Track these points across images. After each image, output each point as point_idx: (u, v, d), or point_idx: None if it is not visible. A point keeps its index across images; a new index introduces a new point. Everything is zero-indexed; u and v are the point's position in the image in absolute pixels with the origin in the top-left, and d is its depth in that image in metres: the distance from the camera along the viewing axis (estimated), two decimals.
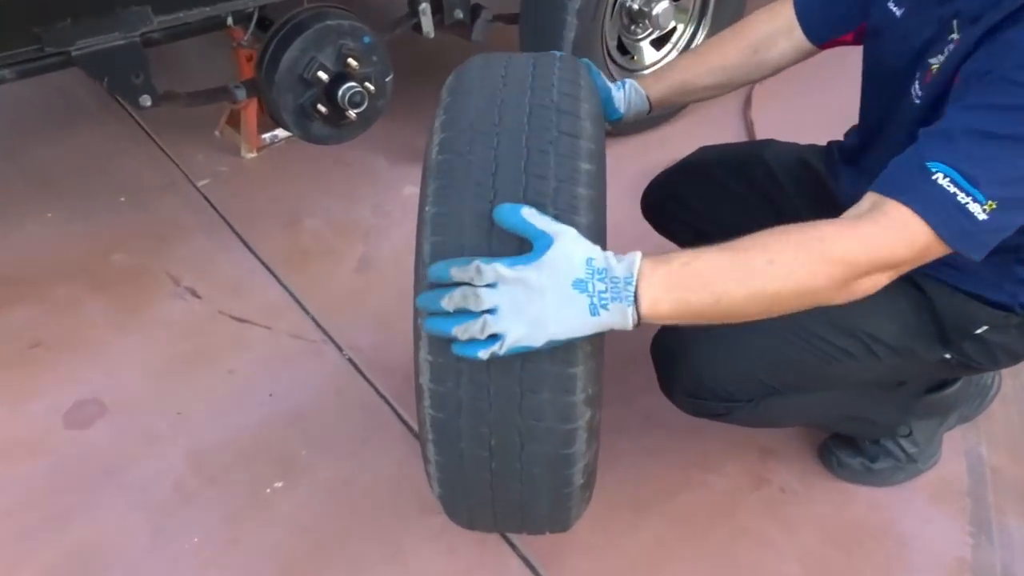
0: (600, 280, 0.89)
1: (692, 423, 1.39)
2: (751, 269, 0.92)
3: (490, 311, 0.88)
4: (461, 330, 0.89)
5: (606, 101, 1.36)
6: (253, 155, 2.39)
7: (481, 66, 1.12)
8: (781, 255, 0.93)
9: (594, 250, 0.91)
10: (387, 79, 1.92)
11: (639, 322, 0.91)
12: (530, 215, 0.91)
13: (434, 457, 1.04)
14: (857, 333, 1.25)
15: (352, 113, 1.85)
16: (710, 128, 2.55)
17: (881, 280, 0.99)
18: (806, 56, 1.43)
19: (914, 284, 1.26)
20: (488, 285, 0.89)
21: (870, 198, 1.00)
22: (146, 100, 1.82)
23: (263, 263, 2.01)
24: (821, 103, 2.37)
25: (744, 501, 1.50)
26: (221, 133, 2.46)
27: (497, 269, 0.88)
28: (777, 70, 1.44)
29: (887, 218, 0.97)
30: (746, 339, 1.21)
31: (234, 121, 2.42)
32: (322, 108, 1.84)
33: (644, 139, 2.46)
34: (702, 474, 1.54)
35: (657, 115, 1.70)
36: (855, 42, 1.37)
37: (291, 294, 1.93)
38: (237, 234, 2.10)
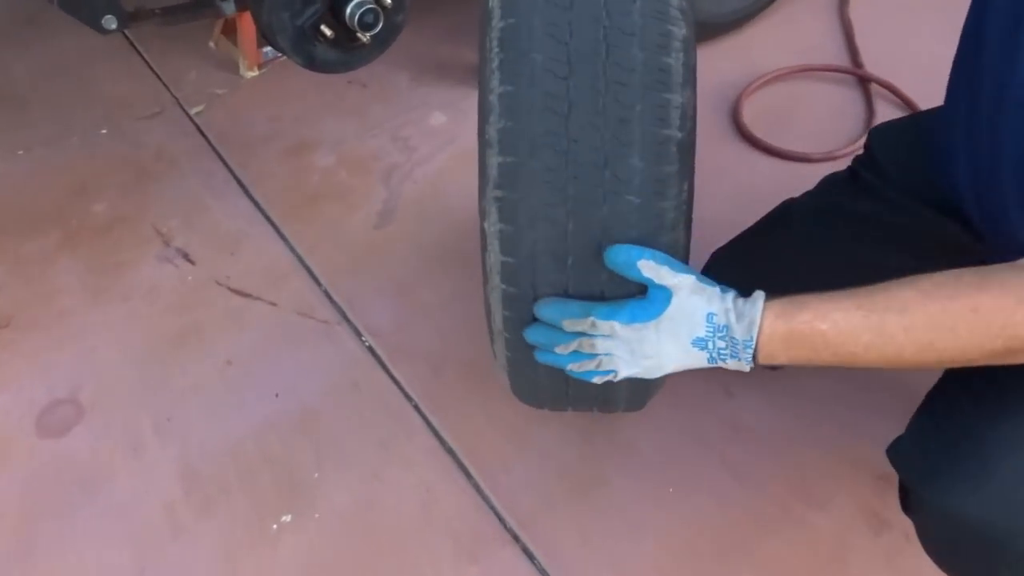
0: (720, 339, 0.87)
1: (789, 433, 1.10)
2: (886, 335, 0.83)
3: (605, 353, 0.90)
4: (576, 366, 0.91)
5: None
6: (253, 73, 2.03)
7: None
8: (923, 322, 0.82)
9: (714, 301, 0.87)
10: None
11: (753, 367, 0.90)
12: (647, 267, 0.86)
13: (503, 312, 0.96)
14: None
15: (364, 36, 1.48)
16: (799, 31, 2.12)
17: None
18: None
19: None
20: (603, 334, 0.89)
21: None
22: (110, 22, 1.47)
23: (265, 215, 1.70)
24: None
25: (857, 547, 1.21)
26: (216, 45, 2.10)
27: (614, 327, 0.88)
28: None
29: None
30: None
31: (230, 31, 2.05)
32: (326, 30, 1.47)
33: (723, 46, 2.05)
34: (803, 508, 1.25)
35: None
36: None
37: (298, 256, 1.62)
38: (236, 177, 1.78)
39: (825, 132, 1.88)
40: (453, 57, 2.05)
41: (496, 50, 0.89)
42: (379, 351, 1.46)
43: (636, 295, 0.89)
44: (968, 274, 0.82)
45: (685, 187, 0.90)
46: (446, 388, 1.40)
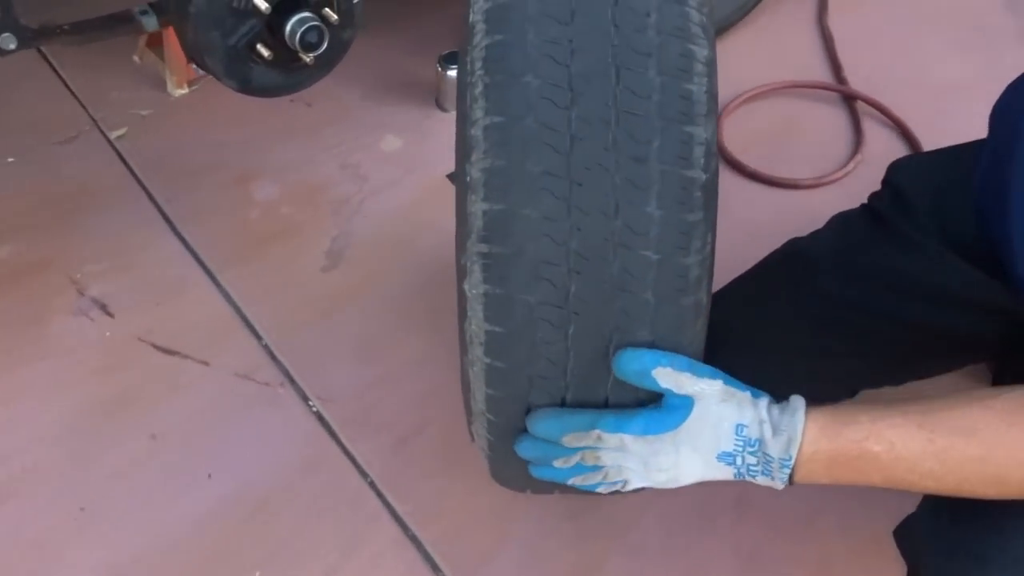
0: (752, 454, 0.75)
1: (804, 510, 1.01)
2: (951, 464, 0.73)
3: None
4: (580, 479, 0.79)
5: None
6: (183, 91, 1.81)
7: None
8: (999, 455, 0.73)
9: (745, 409, 0.75)
10: (356, 0, 1.34)
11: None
12: (664, 376, 0.73)
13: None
14: None
15: (307, 56, 1.28)
16: (778, 41, 1.98)
17: None
18: None
19: None
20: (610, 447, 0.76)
21: None
22: (8, 41, 1.26)
23: (197, 258, 1.49)
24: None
25: None
26: (140, 59, 1.87)
27: (623, 440, 0.75)
28: None
29: None
30: None
31: (156, 43, 1.83)
32: (264, 50, 1.27)
33: None
34: None
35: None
36: None
37: (235, 307, 1.42)
38: (162, 213, 1.57)
39: (812, 155, 1.75)
40: (411, 72, 1.86)
41: (480, 72, 0.72)
42: (332, 421, 1.27)
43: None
44: None
45: (710, 239, 0.76)
46: (412, 466, 1.22)
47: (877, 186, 1.17)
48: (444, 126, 1.74)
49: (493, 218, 0.71)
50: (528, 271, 0.72)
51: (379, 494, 1.19)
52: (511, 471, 0.89)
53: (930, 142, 1.72)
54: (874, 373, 1.06)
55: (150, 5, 1.38)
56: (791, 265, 1.11)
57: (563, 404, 0.77)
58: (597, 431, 0.75)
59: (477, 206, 0.72)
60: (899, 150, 1.75)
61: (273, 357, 1.35)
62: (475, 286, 0.74)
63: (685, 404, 0.75)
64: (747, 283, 1.15)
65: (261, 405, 1.29)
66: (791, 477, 0.76)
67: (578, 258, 0.71)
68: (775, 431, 0.75)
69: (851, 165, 1.70)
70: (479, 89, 0.72)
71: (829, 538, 1.14)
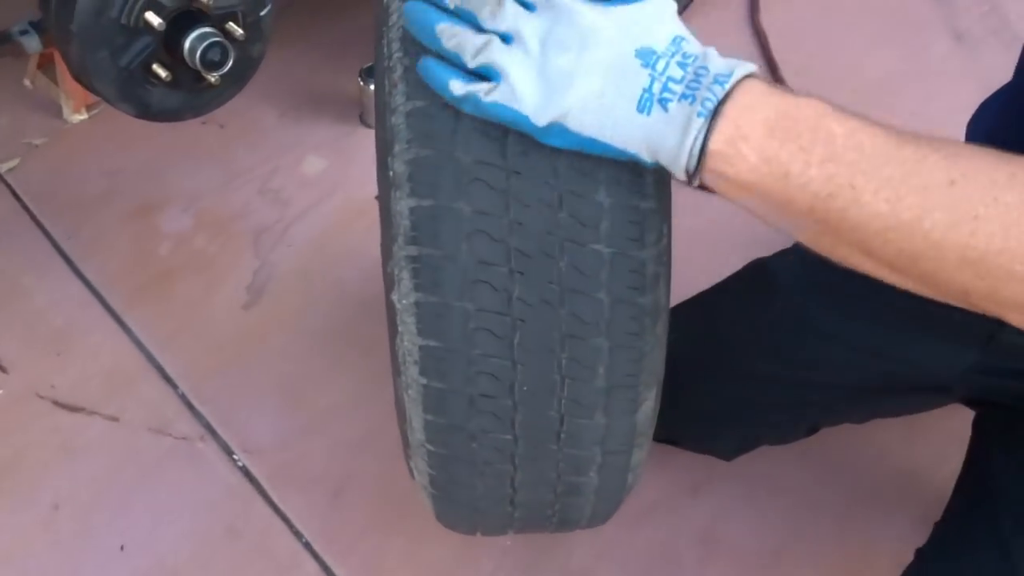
0: (681, 65, 0.56)
1: (775, 544, 0.86)
2: (918, 180, 0.52)
3: (503, 36, 0.57)
4: (448, 31, 0.58)
5: None
6: (81, 116, 1.66)
7: None
8: (972, 182, 0.52)
9: (689, 34, 0.58)
10: (263, 12, 1.22)
11: (696, 169, 0.55)
12: None
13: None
14: None
15: (212, 76, 1.16)
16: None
17: None
18: None
19: None
20: (524, 3, 0.57)
21: None
22: None
23: (101, 299, 1.35)
24: None
25: None
26: (32, 82, 1.72)
27: None
28: None
29: None
30: None
31: (48, 63, 1.68)
32: (161, 71, 1.15)
33: None
34: None
35: None
36: None
37: (146, 352, 1.29)
38: (61, 251, 1.42)
39: None
40: (331, 86, 1.74)
41: (399, 55, 0.64)
42: (259, 475, 1.15)
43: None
44: None
45: (665, 230, 0.68)
46: (349, 521, 1.11)
47: None
48: (370, 143, 1.62)
49: (421, 216, 0.63)
50: (464, 274, 0.63)
51: (315, 555, 1.08)
52: (457, 510, 0.80)
53: None
54: (836, 406, 1.01)
55: (31, 24, 1.25)
56: (755, 280, 1.04)
57: (512, 427, 0.68)
58: None
59: (402, 203, 0.63)
60: None
61: (190, 407, 1.23)
62: (405, 295, 0.65)
63: None
64: (704, 303, 1.07)
65: (179, 462, 1.16)
66: (713, 118, 0.54)
67: (520, 256, 0.63)
68: (716, 58, 0.57)
69: None
70: (398, 72, 0.63)
71: (799, 573, 1.07)
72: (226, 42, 1.14)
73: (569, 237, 0.63)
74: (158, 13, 1.10)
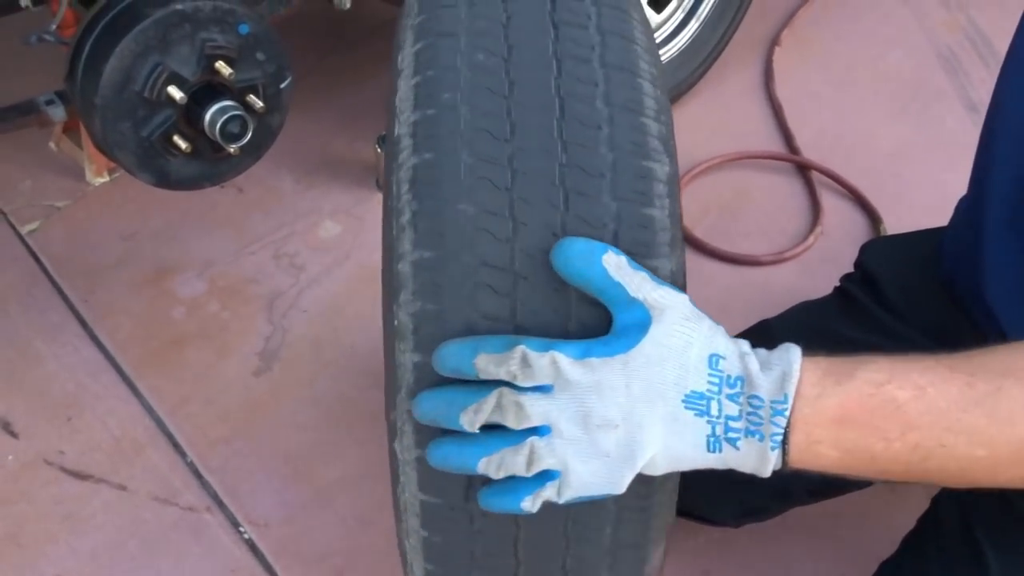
0: (732, 398, 0.53)
1: None
2: (1005, 413, 0.53)
3: (539, 430, 0.53)
4: (493, 463, 0.53)
5: None
6: (103, 179, 1.69)
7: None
8: None
9: (718, 339, 0.54)
10: (283, 84, 1.24)
11: (783, 469, 0.54)
12: (617, 268, 0.54)
13: None
14: None
15: (231, 147, 1.18)
16: (726, 113, 1.94)
17: None
18: None
19: None
20: (539, 388, 0.53)
21: None
22: None
23: (115, 364, 1.36)
24: (861, 60, 1.82)
25: None
26: (57, 145, 1.75)
27: (557, 361, 0.52)
28: None
29: None
30: None
31: (74, 127, 1.71)
32: (181, 142, 1.16)
33: None
34: None
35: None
36: None
37: (157, 419, 1.28)
38: (77, 314, 1.43)
39: (770, 228, 1.69)
40: (348, 151, 1.76)
41: (408, 198, 0.61)
42: (264, 549, 1.14)
43: None
44: None
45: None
46: None
47: (838, 259, 1.12)
48: None
49: (426, 373, 0.58)
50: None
51: None
52: None
53: (885, 209, 1.68)
54: None
55: (56, 94, 1.27)
56: (754, 342, 1.04)
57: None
58: (522, 348, 0.53)
59: (407, 357, 0.59)
60: (858, 221, 1.71)
61: (198, 476, 1.22)
62: (407, 449, 0.61)
63: (639, 322, 0.54)
64: None
65: (184, 534, 1.15)
66: (785, 442, 0.53)
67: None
68: (763, 365, 0.54)
69: (811, 239, 1.64)
70: (406, 216, 0.60)
71: None
72: (246, 115, 1.16)
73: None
74: (180, 87, 1.12)
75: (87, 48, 1.13)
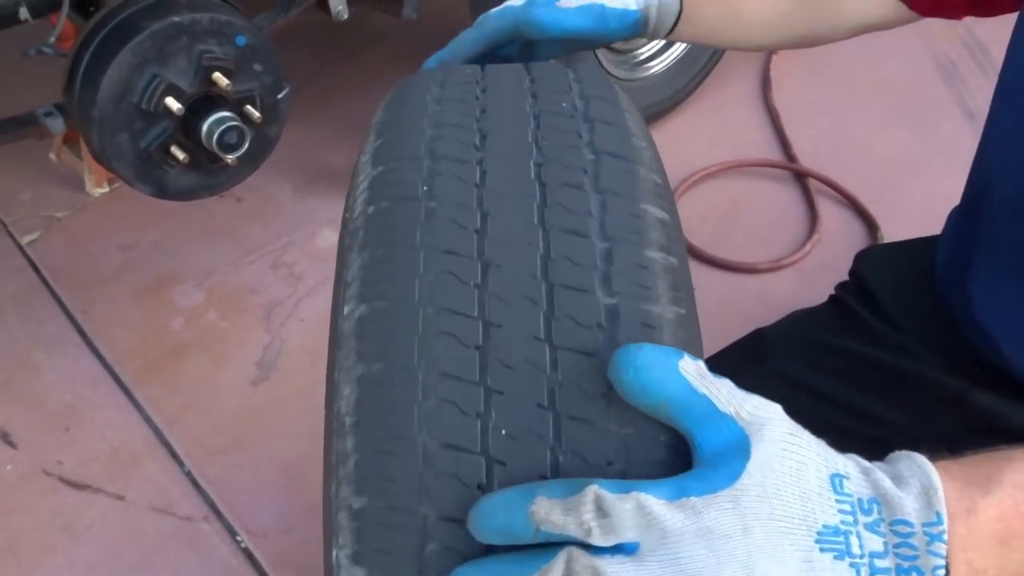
0: (872, 529, 0.40)
1: None
2: None
3: None
4: None
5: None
6: (103, 190, 1.70)
7: (438, 75, 0.59)
8: None
9: (829, 451, 0.42)
10: (280, 95, 1.25)
11: None
12: (699, 376, 0.40)
13: None
14: None
15: (227, 158, 1.18)
16: (724, 122, 1.95)
17: None
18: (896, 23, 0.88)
19: None
20: (620, 549, 0.37)
21: None
22: None
23: (113, 374, 1.36)
24: (858, 68, 1.81)
25: None
26: (58, 156, 1.76)
27: (644, 504, 0.37)
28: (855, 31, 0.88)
29: None
30: None
31: (74, 138, 1.72)
32: (178, 153, 1.17)
33: None
34: None
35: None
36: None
37: (155, 429, 1.29)
38: (76, 324, 1.44)
39: (767, 236, 1.70)
40: (346, 162, 1.77)
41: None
42: (261, 559, 1.13)
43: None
44: None
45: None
46: None
47: (836, 267, 1.11)
48: None
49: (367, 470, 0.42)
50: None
51: None
52: None
53: (883, 216, 1.68)
54: None
55: (55, 106, 1.28)
56: (751, 347, 1.04)
57: None
58: (594, 489, 0.38)
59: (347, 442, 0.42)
60: (856, 229, 1.71)
61: (196, 485, 1.22)
62: (343, 547, 0.42)
63: (735, 443, 0.41)
64: (708, 364, 1.07)
65: (181, 544, 1.15)
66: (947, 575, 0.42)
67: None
68: (896, 479, 0.43)
69: (808, 246, 1.65)
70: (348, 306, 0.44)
71: None
72: (243, 125, 1.17)
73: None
74: (178, 98, 1.13)
75: (85, 60, 1.13)
